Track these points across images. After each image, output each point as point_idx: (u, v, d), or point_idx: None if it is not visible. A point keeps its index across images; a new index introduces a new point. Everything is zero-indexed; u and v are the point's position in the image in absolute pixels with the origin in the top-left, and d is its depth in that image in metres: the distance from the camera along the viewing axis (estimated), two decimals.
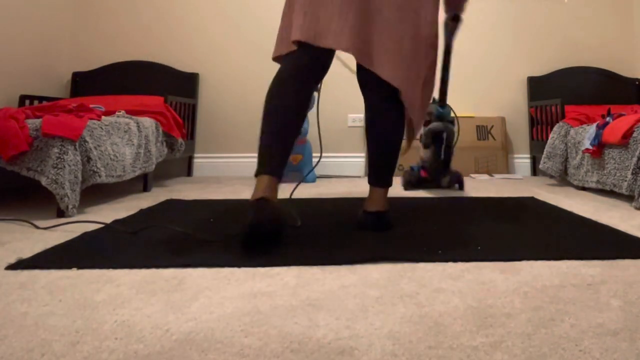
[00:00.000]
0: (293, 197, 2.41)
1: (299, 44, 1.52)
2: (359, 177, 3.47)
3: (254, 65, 3.62)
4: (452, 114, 2.62)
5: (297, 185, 1.91)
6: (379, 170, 1.67)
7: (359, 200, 2.25)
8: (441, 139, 2.50)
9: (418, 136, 1.87)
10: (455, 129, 2.57)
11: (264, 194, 1.37)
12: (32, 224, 1.71)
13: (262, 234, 1.33)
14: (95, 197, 2.37)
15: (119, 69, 3.48)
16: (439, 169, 2.57)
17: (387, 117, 1.64)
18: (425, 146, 2.56)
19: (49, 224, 1.71)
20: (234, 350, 0.79)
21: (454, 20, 2.28)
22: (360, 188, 2.78)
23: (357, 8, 1.49)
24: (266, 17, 3.63)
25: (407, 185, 2.69)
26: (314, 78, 1.55)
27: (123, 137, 2.23)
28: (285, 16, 1.62)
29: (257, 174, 1.44)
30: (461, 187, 2.65)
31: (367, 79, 1.65)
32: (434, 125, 2.50)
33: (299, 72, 1.51)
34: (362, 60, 1.50)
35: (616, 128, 2.28)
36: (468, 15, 3.74)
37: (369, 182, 1.70)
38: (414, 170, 2.70)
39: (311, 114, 3.45)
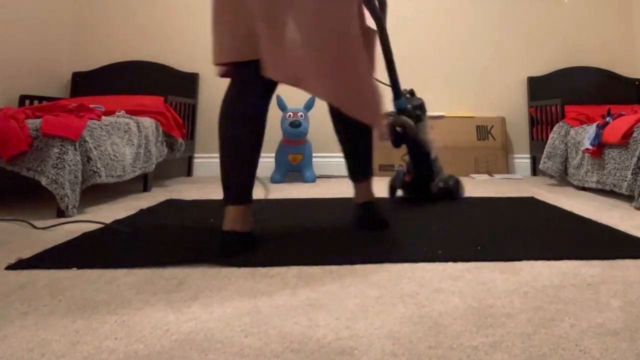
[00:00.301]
0: (295, 197, 2.41)
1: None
2: None
3: None
4: (414, 104, 2.19)
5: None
6: (356, 165, 1.67)
7: None
8: (401, 138, 2.11)
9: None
10: (422, 121, 2.19)
11: (234, 227, 1.36)
12: (30, 224, 1.71)
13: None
14: (95, 197, 2.37)
15: (119, 69, 3.48)
16: (421, 172, 2.20)
17: (350, 118, 1.54)
18: (395, 145, 2.16)
19: (49, 224, 1.71)
20: (234, 350, 0.79)
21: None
22: None
23: (281, 28, 1.35)
24: None
25: (390, 190, 2.36)
26: (266, 92, 1.46)
27: (123, 137, 2.23)
28: (217, 19, 1.45)
29: (226, 203, 1.40)
30: (452, 197, 2.28)
31: None
32: (390, 119, 2.10)
33: (249, 89, 1.42)
34: (289, 82, 1.38)
35: (616, 128, 2.28)
36: (468, 15, 3.75)
37: (350, 179, 1.70)
38: (400, 174, 2.34)
39: (311, 114, 3.45)
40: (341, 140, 1.68)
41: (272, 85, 1.47)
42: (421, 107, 2.24)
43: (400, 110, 2.13)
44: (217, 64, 1.47)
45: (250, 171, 1.42)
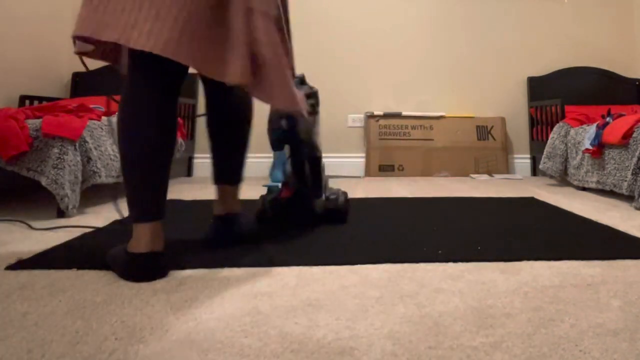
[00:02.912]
0: None
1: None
2: (359, 177, 3.46)
3: None
4: (306, 92, 1.64)
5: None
6: (230, 165, 1.41)
7: (359, 200, 2.25)
8: (295, 134, 1.56)
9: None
10: (316, 114, 1.66)
11: (154, 247, 1.16)
12: (27, 224, 1.71)
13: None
14: (96, 197, 2.37)
15: (118, 69, 3.47)
16: (305, 185, 1.64)
17: (233, 102, 1.40)
18: (274, 147, 1.61)
19: (48, 225, 1.71)
20: (234, 351, 0.79)
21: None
22: (360, 187, 2.78)
23: None
24: None
25: (261, 215, 1.72)
26: (175, 88, 1.24)
27: None
28: None
29: (136, 221, 1.17)
30: (341, 219, 1.73)
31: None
32: (272, 111, 1.58)
33: (156, 89, 1.20)
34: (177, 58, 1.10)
35: (616, 128, 2.28)
36: (468, 15, 3.75)
37: (216, 182, 1.44)
38: (272, 191, 1.72)
39: None
40: (216, 135, 1.42)
41: (175, 76, 1.24)
42: (315, 96, 1.70)
43: None
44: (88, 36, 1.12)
45: (166, 179, 1.25)
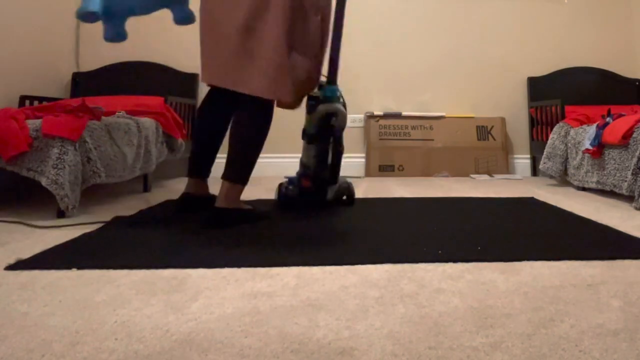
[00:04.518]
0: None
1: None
2: (359, 177, 3.46)
3: None
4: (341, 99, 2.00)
5: None
6: (228, 162, 1.73)
7: (359, 201, 2.25)
8: (330, 131, 1.88)
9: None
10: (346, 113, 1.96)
11: (188, 191, 1.90)
12: (27, 224, 1.71)
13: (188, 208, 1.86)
14: (95, 197, 2.37)
15: (119, 69, 3.48)
16: (325, 175, 1.94)
17: (242, 116, 1.74)
18: (310, 140, 1.91)
19: (47, 225, 1.71)
20: (234, 351, 0.79)
21: None
22: (360, 188, 2.78)
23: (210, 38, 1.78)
24: None
25: (281, 199, 2.04)
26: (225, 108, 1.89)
27: (123, 137, 2.23)
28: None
29: (188, 175, 1.94)
30: (350, 202, 2.10)
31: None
32: (324, 106, 1.85)
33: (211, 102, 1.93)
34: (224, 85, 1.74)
35: (616, 128, 2.28)
36: (468, 15, 3.75)
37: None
38: (293, 181, 2.02)
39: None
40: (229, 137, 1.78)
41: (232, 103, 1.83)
42: (344, 107, 2.00)
43: (332, 97, 1.90)
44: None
45: (210, 154, 1.95)
